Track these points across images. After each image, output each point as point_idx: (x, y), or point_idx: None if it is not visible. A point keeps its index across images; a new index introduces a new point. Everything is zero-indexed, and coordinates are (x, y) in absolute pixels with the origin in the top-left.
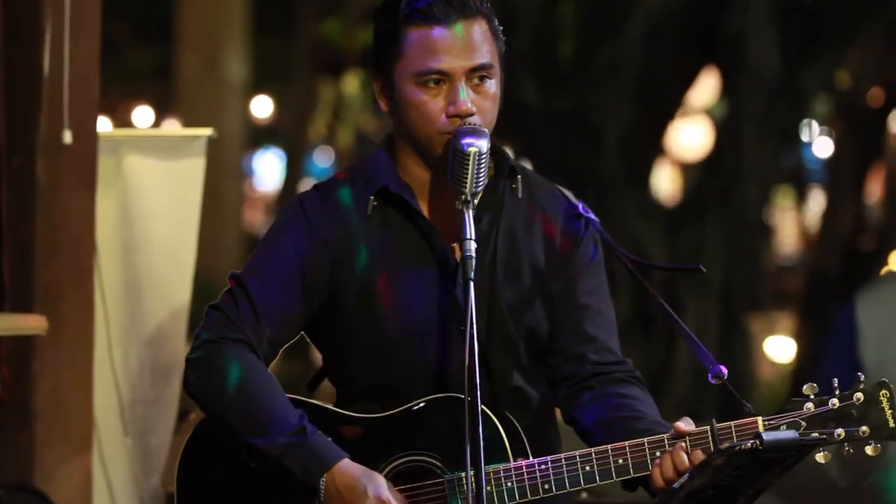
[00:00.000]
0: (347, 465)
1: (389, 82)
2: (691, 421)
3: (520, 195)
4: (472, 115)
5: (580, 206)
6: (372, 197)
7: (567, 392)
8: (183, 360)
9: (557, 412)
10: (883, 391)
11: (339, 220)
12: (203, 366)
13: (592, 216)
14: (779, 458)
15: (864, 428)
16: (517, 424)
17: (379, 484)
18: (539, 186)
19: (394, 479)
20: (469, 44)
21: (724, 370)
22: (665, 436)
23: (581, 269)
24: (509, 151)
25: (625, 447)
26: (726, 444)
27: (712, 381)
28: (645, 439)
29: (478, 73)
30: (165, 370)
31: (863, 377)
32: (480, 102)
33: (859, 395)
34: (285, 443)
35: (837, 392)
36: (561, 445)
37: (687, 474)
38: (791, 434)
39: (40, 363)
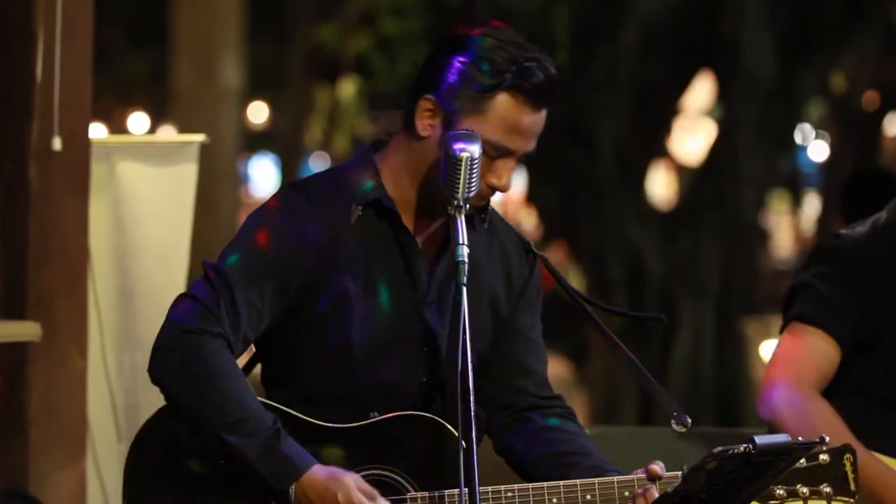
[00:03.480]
0: (317, 471)
1: (450, 122)
2: (663, 464)
3: (486, 225)
4: (507, 190)
5: (531, 242)
6: (359, 207)
7: (504, 422)
8: None
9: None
10: (847, 455)
11: (321, 223)
12: (180, 355)
13: (542, 254)
14: (771, 462)
15: (826, 488)
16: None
17: (349, 486)
18: (497, 220)
19: None
20: (538, 131)
21: (688, 419)
22: (635, 477)
23: (528, 304)
24: None
25: (593, 484)
26: (719, 449)
27: (675, 429)
28: (615, 479)
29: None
30: None
31: (827, 439)
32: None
33: (825, 456)
34: (259, 445)
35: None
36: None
37: (680, 479)
38: (784, 438)
39: (34, 369)
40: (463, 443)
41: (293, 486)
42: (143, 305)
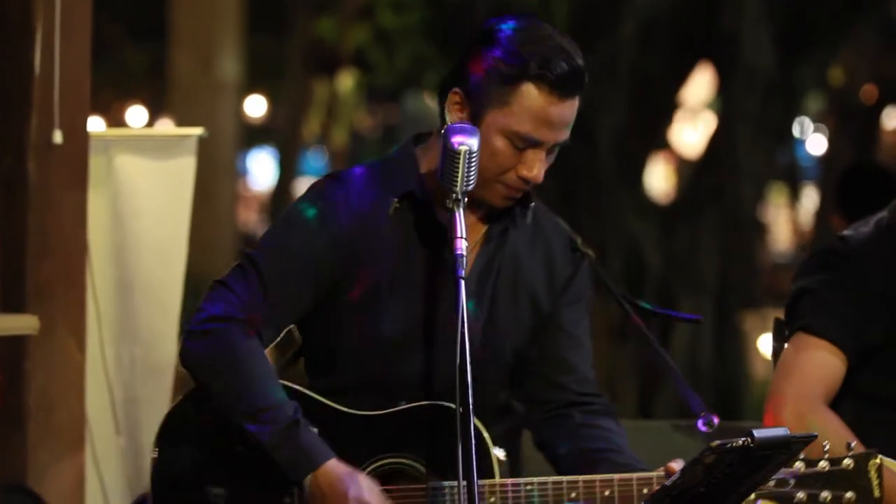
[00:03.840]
0: (333, 466)
1: (477, 113)
2: (683, 462)
3: (528, 220)
4: (539, 182)
5: (579, 240)
6: (396, 199)
7: (543, 417)
8: (175, 358)
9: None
10: (872, 461)
11: (358, 214)
12: (209, 340)
13: (590, 252)
14: (770, 456)
15: (849, 494)
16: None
17: (361, 486)
18: (544, 215)
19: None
20: (568, 120)
21: (715, 420)
22: (654, 475)
23: (572, 301)
24: None
25: (612, 480)
26: (717, 442)
27: (702, 430)
28: (634, 475)
29: (559, 145)
30: (157, 369)
31: (853, 444)
32: (545, 168)
33: (849, 461)
34: (277, 434)
35: (828, 455)
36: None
37: (678, 472)
38: (782, 431)
39: (32, 363)
40: (460, 438)
41: (308, 477)
42: (142, 299)
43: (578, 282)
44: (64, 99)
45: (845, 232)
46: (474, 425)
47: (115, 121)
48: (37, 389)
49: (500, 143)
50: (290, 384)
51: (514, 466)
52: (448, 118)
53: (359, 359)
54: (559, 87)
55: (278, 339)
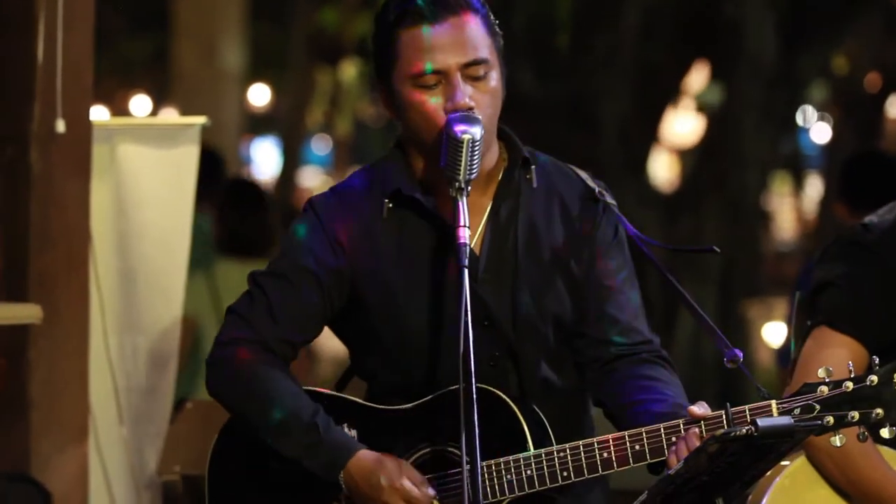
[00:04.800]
0: (361, 458)
1: (390, 88)
2: (706, 405)
3: (535, 184)
4: (470, 109)
5: (597, 189)
6: (386, 200)
7: (594, 375)
8: (177, 348)
9: None
10: None
11: (355, 222)
12: (220, 368)
13: (610, 199)
14: (774, 445)
15: (878, 410)
16: (542, 415)
17: (392, 472)
18: (555, 171)
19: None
20: (461, 39)
21: (740, 354)
22: (680, 421)
23: (601, 251)
24: None
25: (641, 433)
26: (721, 431)
27: (728, 366)
28: (661, 425)
29: (473, 68)
30: (161, 358)
31: (877, 360)
32: (479, 97)
33: (873, 377)
34: (302, 440)
35: (851, 375)
36: (595, 433)
37: (682, 461)
38: (786, 420)
39: (35, 352)
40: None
41: (342, 475)
42: (145, 288)
43: (603, 233)
44: (66, 88)
45: (868, 219)
46: (505, 402)
47: (119, 110)
48: (40, 379)
49: (412, 94)
50: (315, 389)
51: (587, 435)
52: (389, 113)
53: (396, 362)
54: (416, 17)
55: (296, 354)
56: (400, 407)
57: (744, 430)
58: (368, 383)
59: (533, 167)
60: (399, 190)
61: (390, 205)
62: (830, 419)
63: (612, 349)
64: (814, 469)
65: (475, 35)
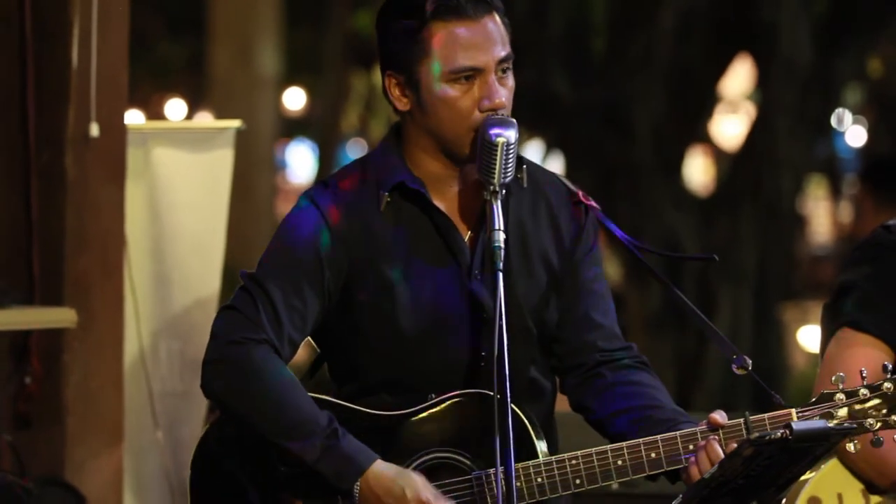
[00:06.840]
0: (381, 467)
1: (412, 81)
2: (725, 414)
3: (524, 185)
4: (504, 107)
5: (580, 193)
6: (386, 193)
7: (577, 381)
8: None
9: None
10: None
11: (352, 215)
12: (227, 366)
13: (593, 203)
14: (809, 448)
15: (895, 417)
16: (534, 419)
17: (416, 484)
18: (541, 175)
19: None
20: (495, 37)
21: (748, 361)
22: (698, 429)
23: (585, 257)
24: (542, 143)
25: (657, 441)
26: (756, 435)
27: (737, 372)
28: (678, 433)
29: (503, 65)
30: (195, 363)
31: (890, 366)
32: (507, 94)
33: (889, 385)
34: (318, 446)
35: (867, 382)
36: (558, 434)
37: (717, 465)
38: (821, 424)
39: (70, 356)
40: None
41: (358, 483)
42: (180, 292)
43: (586, 236)
44: (101, 92)
45: (891, 222)
46: (514, 409)
47: (155, 114)
48: (75, 383)
49: (445, 90)
50: (319, 396)
51: (554, 437)
52: (396, 104)
53: (383, 358)
54: (455, 12)
55: (296, 353)
56: (400, 412)
57: (779, 434)
58: (346, 382)
59: (525, 166)
60: (403, 183)
61: (388, 198)
62: (874, 421)
63: (596, 355)
64: (846, 470)
65: (503, 32)
